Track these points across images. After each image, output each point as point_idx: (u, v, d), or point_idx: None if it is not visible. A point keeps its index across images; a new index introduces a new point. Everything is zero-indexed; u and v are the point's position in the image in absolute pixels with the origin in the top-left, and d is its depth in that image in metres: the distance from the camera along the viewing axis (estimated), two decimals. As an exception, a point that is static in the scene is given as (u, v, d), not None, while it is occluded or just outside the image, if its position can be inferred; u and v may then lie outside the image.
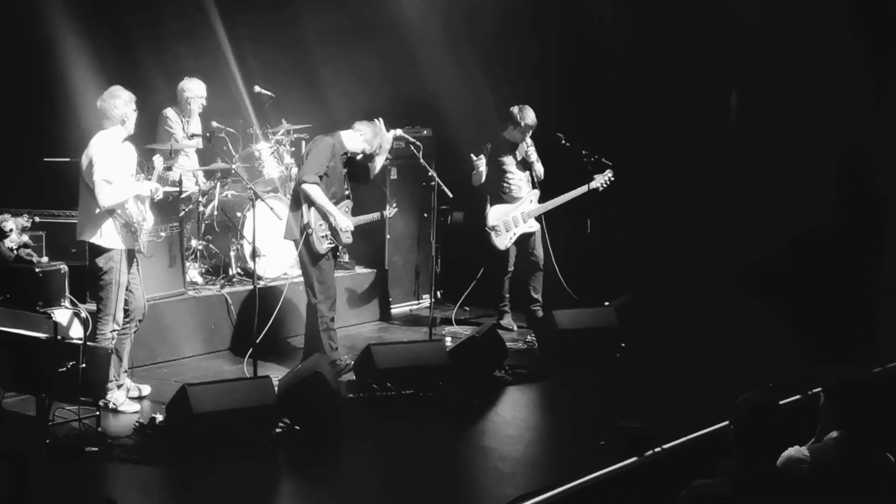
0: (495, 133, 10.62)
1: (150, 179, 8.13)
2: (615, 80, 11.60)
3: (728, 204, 12.06)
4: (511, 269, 10.60)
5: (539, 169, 10.49)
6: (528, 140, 10.37)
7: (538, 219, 10.55)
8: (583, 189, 10.48)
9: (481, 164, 10.30)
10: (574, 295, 10.61)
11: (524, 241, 10.54)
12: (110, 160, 7.71)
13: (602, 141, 10.76)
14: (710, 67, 11.99)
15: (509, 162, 10.40)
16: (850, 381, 5.12)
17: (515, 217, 10.42)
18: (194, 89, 10.47)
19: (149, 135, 10.15)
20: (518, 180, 10.46)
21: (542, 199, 10.53)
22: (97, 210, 7.73)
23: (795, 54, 11.20)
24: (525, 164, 10.46)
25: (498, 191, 10.43)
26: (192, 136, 10.36)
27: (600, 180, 10.50)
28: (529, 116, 10.23)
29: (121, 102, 7.80)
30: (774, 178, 11.72)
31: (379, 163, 9.20)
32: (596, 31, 11.58)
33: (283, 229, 9.07)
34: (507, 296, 10.69)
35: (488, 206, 10.44)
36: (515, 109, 10.29)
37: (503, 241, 10.42)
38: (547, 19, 11.99)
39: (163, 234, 9.39)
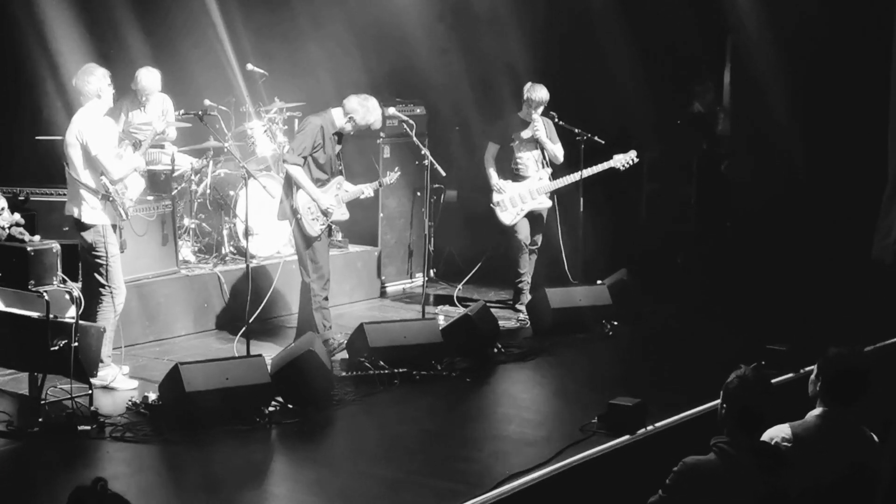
0: (496, 113, 10.63)
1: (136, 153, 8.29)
2: (613, 60, 11.60)
3: (722, 180, 12.12)
4: (528, 244, 10.39)
5: (552, 149, 10.29)
6: (538, 118, 10.24)
7: (551, 197, 10.44)
8: (600, 167, 10.28)
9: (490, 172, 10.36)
10: (572, 279, 10.59)
11: (535, 219, 10.45)
12: (103, 133, 7.83)
13: (599, 122, 10.72)
14: (703, 46, 12.02)
15: (518, 140, 10.31)
16: (838, 358, 5.12)
17: (522, 193, 10.30)
18: (148, 85, 10.23)
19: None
20: (526, 159, 10.31)
21: (556, 178, 10.38)
22: (79, 186, 7.85)
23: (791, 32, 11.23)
24: (535, 144, 10.30)
25: (508, 171, 10.35)
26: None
27: (622, 160, 10.27)
28: (534, 92, 10.13)
29: (94, 78, 7.87)
30: (767, 156, 11.76)
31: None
32: (594, 9, 11.57)
33: (277, 210, 9.08)
34: (523, 272, 10.45)
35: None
36: (526, 86, 10.24)
37: (508, 216, 10.33)
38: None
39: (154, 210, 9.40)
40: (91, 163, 7.80)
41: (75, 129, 7.82)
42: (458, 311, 10.20)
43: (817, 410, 5.10)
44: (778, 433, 4.97)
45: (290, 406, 7.54)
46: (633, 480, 5.98)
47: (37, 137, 9.94)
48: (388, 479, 6.58)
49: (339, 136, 9.04)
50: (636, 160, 10.35)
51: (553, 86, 10.29)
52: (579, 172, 10.22)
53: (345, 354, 8.71)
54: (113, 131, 8.03)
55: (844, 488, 4.92)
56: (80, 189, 7.86)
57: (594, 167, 10.28)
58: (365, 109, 8.90)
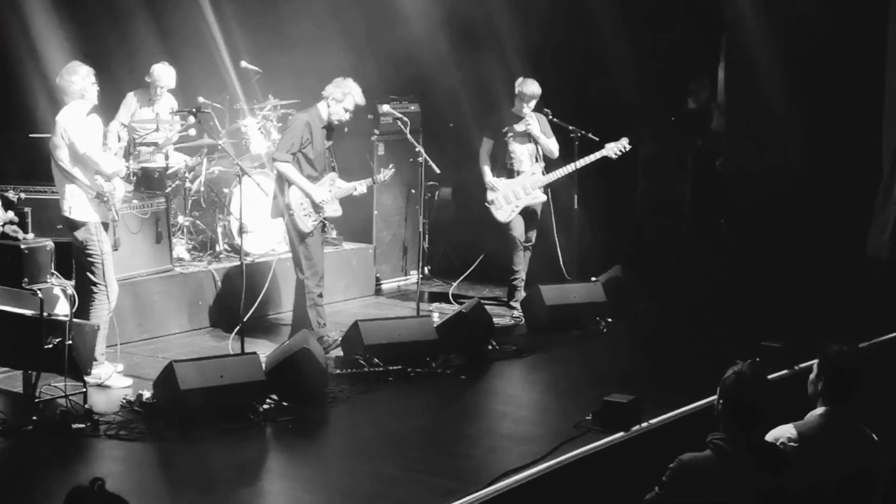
0: (490, 109, 10.63)
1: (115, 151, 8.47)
2: (608, 57, 11.59)
3: (717, 177, 12.11)
4: (523, 241, 10.37)
5: (546, 144, 10.25)
6: (531, 112, 10.22)
7: (545, 191, 10.43)
8: (593, 157, 10.26)
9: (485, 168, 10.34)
10: (567, 275, 10.59)
11: (529, 214, 10.43)
12: (88, 132, 7.81)
13: (593, 118, 10.71)
14: (698, 43, 12.02)
15: (512, 133, 10.30)
16: (840, 356, 5.11)
17: (516, 190, 10.28)
18: (162, 76, 10.31)
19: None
20: (520, 153, 10.29)
21: (550, 172, 10.37)
22: (68, 185, 7.83)
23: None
24: (528, 137, 10.29)
25: (502, 166, 10.36)
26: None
27: (614, 148, 10.26)
28: (525, 86, 10.13)
29: (78, 78, 7.84)
30: (762, 152, 11.75)
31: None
32: (590, 6, 11.56)
33: (270, 208, 9.08)
34: (518, 269, 10.41)
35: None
36: (518, 80, 10.24)
37: (504, 213, 10.31)
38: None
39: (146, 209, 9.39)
40: (81, 162, 7.78)
41: (60, 129, 7.81)
42: (452, 308, 10.18)
43: (819, 410, 5.06)
44: (783, 433, 4.95)
45: (285, 403, 7.52)
46: (628, 477, 5.97)
47: (30, 135, 9.91)
48: (384, 476, 6.57)
49: (329, 130, 9.03)
50: (628, 147, 10.35)
51: (548, 83, 10.28)
52: (573, 164, 10.22)
53: (339, 352, 8.70)
54: (98, 129, 8.00)
55: (844, 489, 4.91)
56: (71, 188, 7.84)
57: (587, 157, 10.27)
58: (340, 88, 8.90)
